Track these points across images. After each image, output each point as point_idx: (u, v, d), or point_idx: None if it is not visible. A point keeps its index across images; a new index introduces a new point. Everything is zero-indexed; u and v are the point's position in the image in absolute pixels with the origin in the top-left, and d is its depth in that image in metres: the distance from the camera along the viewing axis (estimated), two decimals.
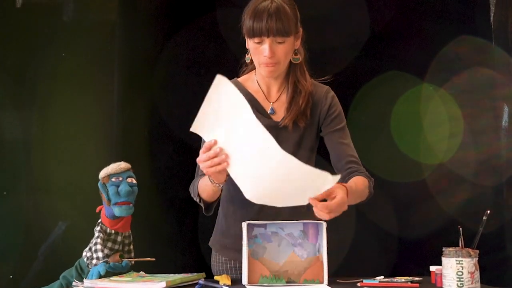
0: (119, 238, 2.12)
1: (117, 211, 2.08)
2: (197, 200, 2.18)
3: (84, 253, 2.10)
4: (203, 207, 2.19)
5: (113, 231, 2.11)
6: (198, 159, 1.92)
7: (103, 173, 2.12)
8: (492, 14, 3.18)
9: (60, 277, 2.12)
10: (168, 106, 3.15)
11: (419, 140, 3.17)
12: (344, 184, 1.97)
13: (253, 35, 2.07)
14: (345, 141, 2.22)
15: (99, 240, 2.07)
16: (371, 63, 3.17)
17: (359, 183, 2.10)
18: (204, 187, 2.12)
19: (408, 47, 3.19)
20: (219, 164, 1.88)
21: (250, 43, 2.12)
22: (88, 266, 2.06)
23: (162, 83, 3.16)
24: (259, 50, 2.10)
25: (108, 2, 3.17)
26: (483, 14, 3.19)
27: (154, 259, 2.13)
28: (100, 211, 2.16)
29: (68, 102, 3.06)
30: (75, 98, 3.06)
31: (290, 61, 2.18)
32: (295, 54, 2.18)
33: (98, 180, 2.12)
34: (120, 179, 2.10)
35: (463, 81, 3.15)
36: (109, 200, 2.08)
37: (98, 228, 2.10)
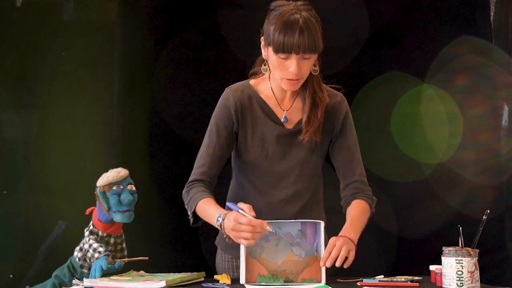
0: (111, 240, 2.10)
1: (118, 217, 2.05)
2: (189, 213, 2.10)
3: (75, 253, 2.08)
4: (192, 220, 2.11)
5: (105, 234, 2.09)
6: (240, 222, 1.90)
7: (103, 181, 2.05)
8: (492, 14, 3.18)
9: (53, 275, 2.11)
10: (168, 106, 3.15)
11: (419, 140, 3.17)
12: (342, 235, 2.01)
13: (282, 50, 1.97)
14: (354, 158, 2.20)
15: (92, 241, 2.04)
16: (371, 63, 3.17)
17: (358, 210, 2.13)
18: (207, 217, 2.05)
19: (408, 47, 3.19)
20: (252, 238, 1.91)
21: (273, 57, 2.02)
22: (81, 267, 2.05)
23: (162, 83, 3.16)
24: (283, 65, 2.01)
25: (108, 2, 3.17)
26: (483, 14, 3.19)
27: (147, 258, 2.11)
28: (90, 213, 2.13)
29: (68, 102, 3.06)
30: (75, 98, 3.06)
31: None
32: (314, 65, 2.08)
33: (96, 184, 2.08)
34: (121, 187, 2.05)
35: (463, 81, 3.14)
36: (109, 208, 2.05)
37: (87, 233, 2.07)
